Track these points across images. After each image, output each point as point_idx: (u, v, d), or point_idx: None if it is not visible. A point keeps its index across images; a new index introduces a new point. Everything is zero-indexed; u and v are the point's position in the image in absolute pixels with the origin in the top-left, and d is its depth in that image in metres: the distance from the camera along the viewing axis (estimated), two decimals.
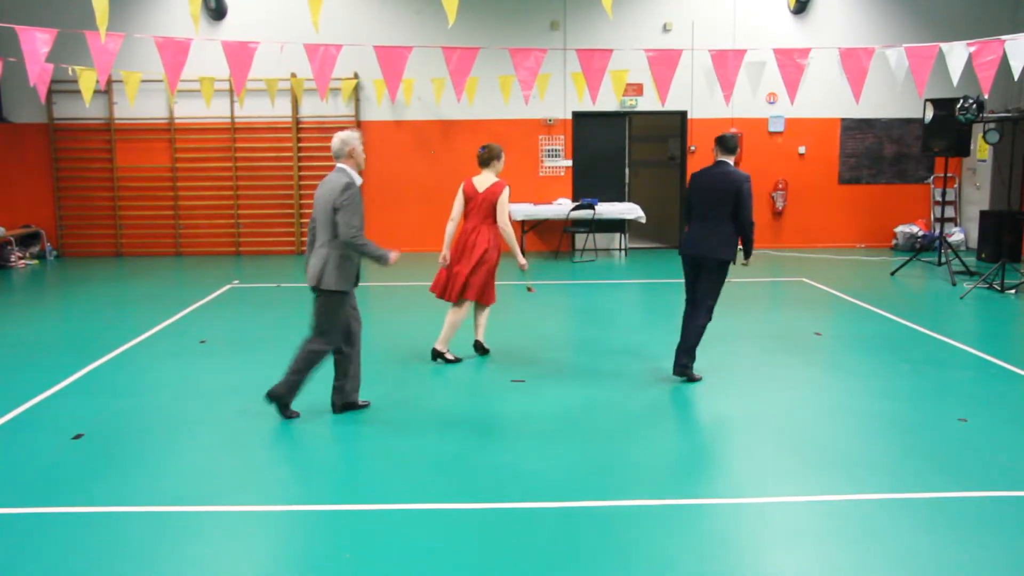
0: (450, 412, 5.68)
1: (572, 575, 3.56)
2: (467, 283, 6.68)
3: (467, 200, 6.79)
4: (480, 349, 7.10)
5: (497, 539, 3.87)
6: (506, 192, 6.69)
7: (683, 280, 6.40)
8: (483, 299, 6.81)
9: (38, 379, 6.43)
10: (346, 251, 5.36)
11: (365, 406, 5.76)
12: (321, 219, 5.38)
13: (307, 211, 13.65)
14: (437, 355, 6.88)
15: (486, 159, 6.77)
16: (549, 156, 13.68)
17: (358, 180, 5.39)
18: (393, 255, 5.37)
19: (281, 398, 5.48)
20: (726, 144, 6.20)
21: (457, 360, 6.89)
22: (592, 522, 4.04)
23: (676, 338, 6.35)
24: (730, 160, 6.20)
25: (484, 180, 6.75)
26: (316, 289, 5.41)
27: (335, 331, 5.47)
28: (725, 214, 6.05)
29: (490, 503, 4.25)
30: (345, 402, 5.66)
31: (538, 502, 4.25)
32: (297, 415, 5.54)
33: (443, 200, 13.60)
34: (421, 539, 3.86)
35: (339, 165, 5.43)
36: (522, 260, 6.84)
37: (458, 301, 6.77)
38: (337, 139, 5.43)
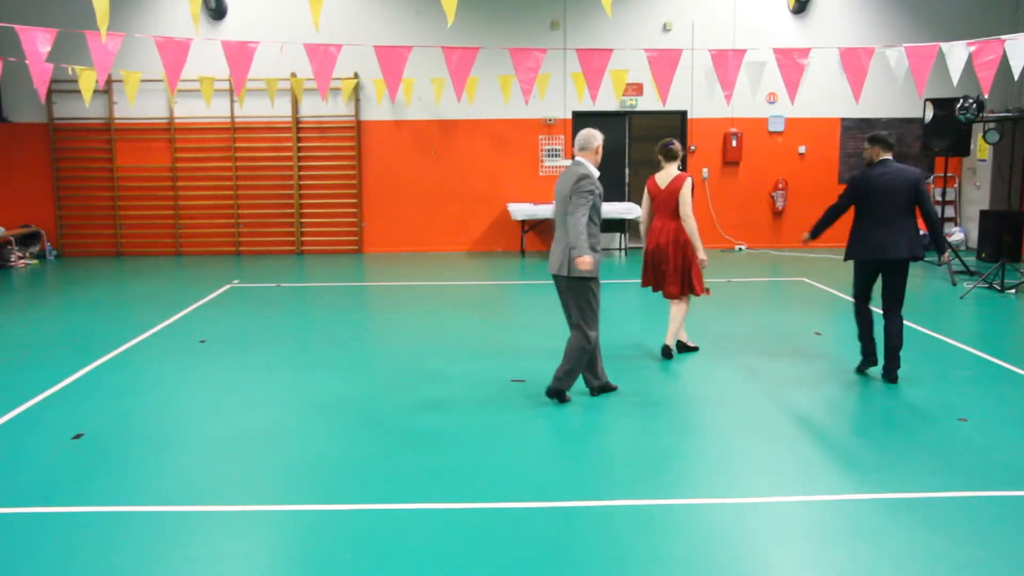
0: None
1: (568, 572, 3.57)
2: (685, 280, 6.72)
3: (652, 197, 6.78)
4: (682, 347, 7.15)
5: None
6: (687, 183, 6.59)
7: (856, 281, 6.46)
8: (698, 291, 6.84)
9: (38, 379, 6.43)
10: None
11: (615, 388, 5.97)
12: (560, 208, 5.52)
13: (307, 211, 13.66)
14: (669, 351, 6.92)
15: (672, 153, 6.71)
16: (549, 156, 13.68)
17: (595, 172, 5.50)
18: (588, 260, 5.30)
19: (558, 394, 5.70)
20: (885, 141, 6.23)
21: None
22: (584, 519, 4.05)
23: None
24: (891, 156, 6.22)
25: (666, 175, 6.71)
26: (560, 277, 5.52)
27: (593, 317, 5.58)
28: (907, 212, 6.08)
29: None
30: (602, 384, 5.86)
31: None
32: (568, 399, 5.76)
33: (443, 200, 13.64)
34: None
35: (578, 158, 5.56)
36: (703, 255, 6.69)
37: (679, 297, 6.80)
38: (586, 132, 5.58)
